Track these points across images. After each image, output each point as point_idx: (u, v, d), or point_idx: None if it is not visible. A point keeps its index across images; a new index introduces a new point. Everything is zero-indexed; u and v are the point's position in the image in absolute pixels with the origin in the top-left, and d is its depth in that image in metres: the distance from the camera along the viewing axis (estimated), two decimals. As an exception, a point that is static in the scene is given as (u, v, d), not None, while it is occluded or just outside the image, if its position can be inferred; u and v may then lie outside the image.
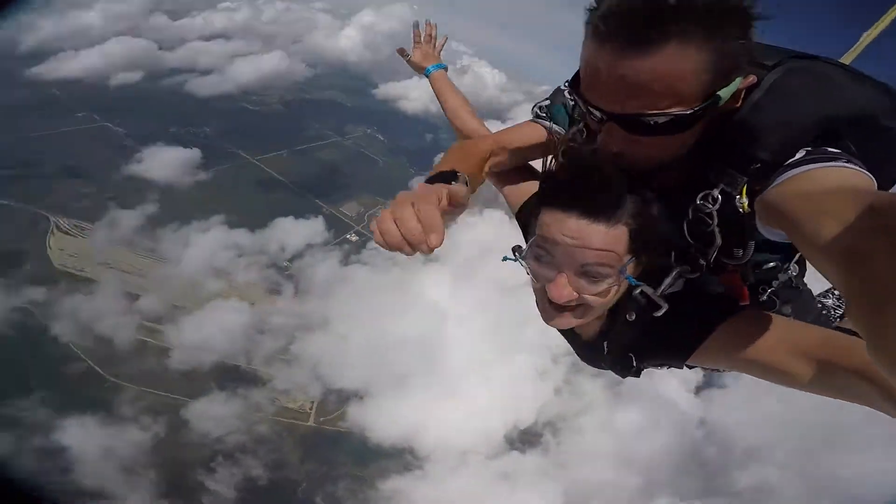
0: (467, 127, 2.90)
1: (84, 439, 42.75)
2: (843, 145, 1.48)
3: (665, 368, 2.23)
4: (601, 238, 1.60)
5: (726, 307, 1.78)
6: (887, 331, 0.76)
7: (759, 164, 1.53)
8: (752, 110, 1.55)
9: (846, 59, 3.22)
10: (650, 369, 2.24)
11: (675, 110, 1.43)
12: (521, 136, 2.51)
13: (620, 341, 2.07)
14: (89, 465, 41.38)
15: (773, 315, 1.71)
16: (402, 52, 3.29)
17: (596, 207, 1.60)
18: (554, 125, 2.37)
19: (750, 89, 1.54)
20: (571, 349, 2.49)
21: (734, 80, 1.46)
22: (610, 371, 2.33)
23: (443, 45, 3.32)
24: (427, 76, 3.18)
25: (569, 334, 2.36)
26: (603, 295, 1.70)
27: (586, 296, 1.69)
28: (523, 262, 1.79)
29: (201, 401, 48.55)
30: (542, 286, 1.77)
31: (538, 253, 1.73)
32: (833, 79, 1.54)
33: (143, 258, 60.90)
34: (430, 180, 1.80)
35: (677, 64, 1.36)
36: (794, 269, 1.98)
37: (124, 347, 51.06)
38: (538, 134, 2.45)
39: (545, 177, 1.87)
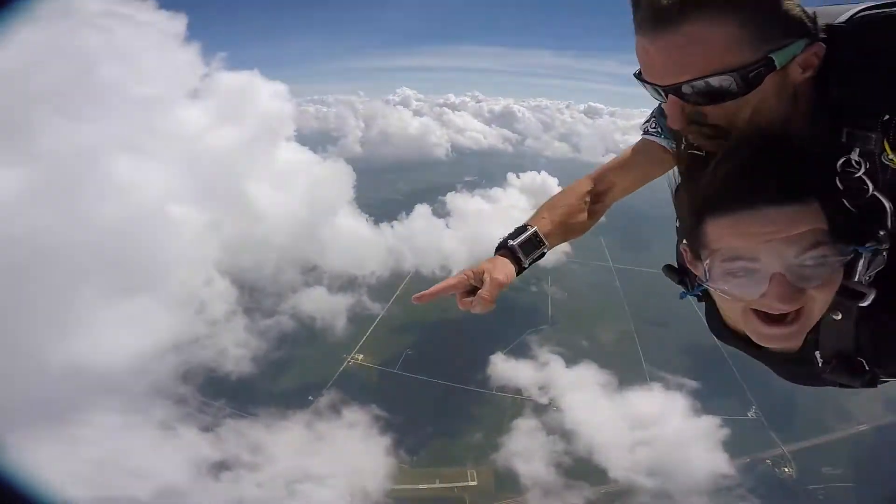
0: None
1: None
2: None
3: None
4: (801, 218, 1.39)
5: None
6: None
7: (887, 117, 1.44)
8: (851, 65, 1.53)
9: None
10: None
11: (715, 77, 1.52)
12: (626, 155, 2.70)
13: (837, 346, 1.76)
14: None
15: None
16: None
17: (779, 189, 1.40)
18: (663, 137, 2.41)
19: (839, 47, 1.56)
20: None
21: (790, 43, 1.52)
22: (826, 387, 2.01)
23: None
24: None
25: (767, 355, 1.91)
26: (827, 284, 1.45)
27: (811, 292, 1.44)
28: (711, 289, 1.57)
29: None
30: (745, 306, 1.54)
31: (730, 269, 1.48)
32: None
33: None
34: (506, 238, 2.55)
35: (706, 32, 1.48)
36: None
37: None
38: (646, 148, 2.54)
39: (697, 186, 1.55)
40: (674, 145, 2.04)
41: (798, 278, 1.40)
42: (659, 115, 2.39)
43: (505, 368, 78.70)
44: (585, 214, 2.71)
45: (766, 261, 1.40)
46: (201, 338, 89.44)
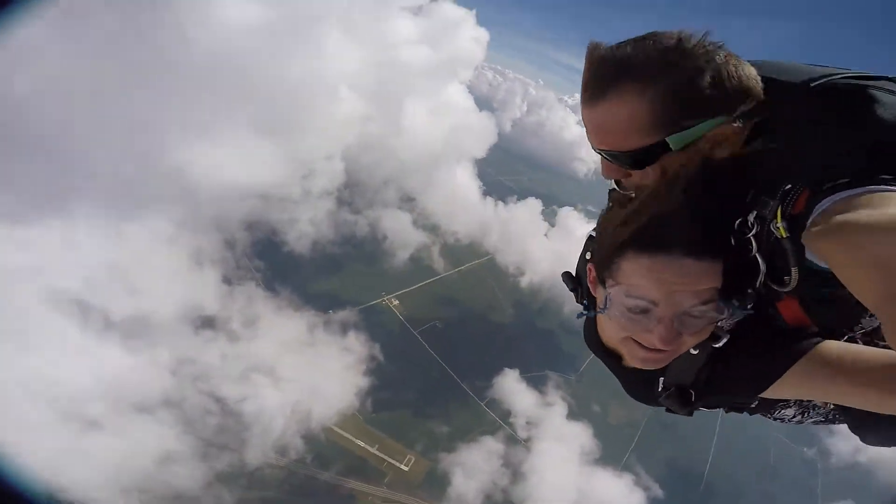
0: None
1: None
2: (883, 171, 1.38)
3: (746, 406, 2.05)
4: (709, 274, 1.47)
5: (799, 336, 1.63)
6: None
7: (788, 186, 1.49)
8: (776, 136, 1.57)
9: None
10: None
11: (617, 148, 1.67)
12: None
13: (679, 377, 1.87)
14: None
15: (845, 343, 1.61)
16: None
17: (702, 243, 1.46)
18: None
19: (775, 118, 1.59)
20: None
21: (696, 124, 1.56)
22: (657, 407, 2.10)
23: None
24: None
25: (616, 365, 2.02)
26: (702, 333, 1.58)
27: (686, 336, 1.55)
28: (607, 316, 1.62)
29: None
30: (628, 335, 1.62)
31: (629, 304, 1.53)
32: (875, 101, 1.44)
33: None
34: None
35: (614, 113, 1.60)
36: None
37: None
38: None
39: (632, 221, 1.53)
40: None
41: (681, 325, 1.49)
42: None
43: (511, 387, 75.30)
44: None
45: (663, 306, 1.47)
46: (289, 199, 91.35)
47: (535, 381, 77.77)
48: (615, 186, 1.94)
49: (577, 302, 2.06)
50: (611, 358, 1.98)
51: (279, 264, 78.99)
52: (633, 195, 1.64)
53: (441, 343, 76.19)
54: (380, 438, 62.34)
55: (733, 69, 1.53)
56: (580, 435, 73.35)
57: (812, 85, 1.52)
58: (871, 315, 1.63)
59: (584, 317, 2.03)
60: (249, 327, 69.00)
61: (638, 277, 1.47)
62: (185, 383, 60.50)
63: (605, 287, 1.60)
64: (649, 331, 1.52)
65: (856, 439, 2.01)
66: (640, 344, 1.59)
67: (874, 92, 1.45)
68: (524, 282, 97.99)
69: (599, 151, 1.75)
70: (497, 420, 71.22)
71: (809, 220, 1.38)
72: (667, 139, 1.57)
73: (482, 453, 65.94)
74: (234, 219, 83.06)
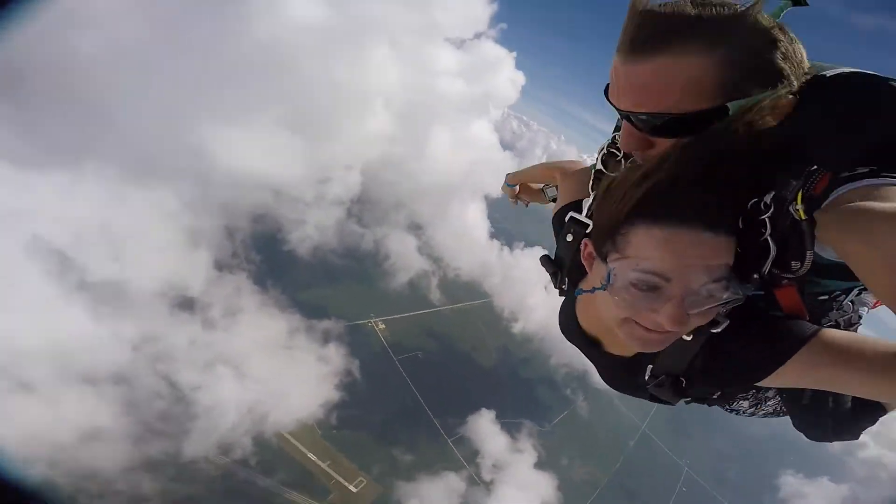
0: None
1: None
2: None
3: (712, 397, 2.06)
4: (724, 250, 1.38)
5: (798, 323, 1.57)
6: None
7: (814, 168, 1.44)
8: (804, 116, 1.49)
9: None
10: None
11: (665, 110, 1.48)
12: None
13: (671, 365, 1.77)
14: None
15: (845, 332, 1.56)
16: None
17: (721, 217, 1.36)
18: None
19: (805, 100, 1.51)
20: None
21: (753, 94, 1.44)
22: (640, 397, 2.01)
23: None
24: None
25: (595, 352, 1.97)
26: (708, 314, 1.46)
27: (693, 317, 1.43)
28: (609, 293, 1.47)
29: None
30: (629, 315, 1.49)
31: (637, 279, 1.39)
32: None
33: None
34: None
35: (670, 72, 1.43)
36: (848, 307, 1.77)
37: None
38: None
39: (645, 188, 1.41)
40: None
41: (691, 304, 1.37)
42: None
43: (484, 428, 72.89)
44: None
45: (675, 283, 1.35)
46: (300, 200, 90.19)
47: (510, 427, 75.46)
48: (602, 168, 1.89)
49: (555, 287, 2.04)
50: (590, 346, 1.94)
51: (276, 262, 77.21)
52: (643, 162, 1.52)
53: (419, 374, 73.42)
54: (334, 455, 59.05)
55: (795, 42, 1.48)
56: (544, 485, 71.01)
57: (839, 73, 1.49)
58: (839, 308, 1.70)
59: (563, 299, 2.03)
60: (229, 317, 66.60)
61: (650, 250, 1.36)
62: (142, 361, 57.81)
63: (605, 262, 1.46)
64: (656, 310, 1.40)
65: None
66: (640, 325, 1.46)
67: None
68: (516, 328, 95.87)
69: (632, 115, 1.56)
70: (461, 459, 68.28)
71: (824, 204, 1.36)
72: (728, 105, 1.44)
73: (441, 489, 63.23)
74: (242, 207, 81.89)
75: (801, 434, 2.20)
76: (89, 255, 66.03)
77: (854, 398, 2.05)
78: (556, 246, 2.06)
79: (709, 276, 1.34)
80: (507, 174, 3.22)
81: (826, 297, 1.69)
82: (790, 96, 1.45)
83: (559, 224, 2.00)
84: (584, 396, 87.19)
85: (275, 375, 63.26)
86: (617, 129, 1.98)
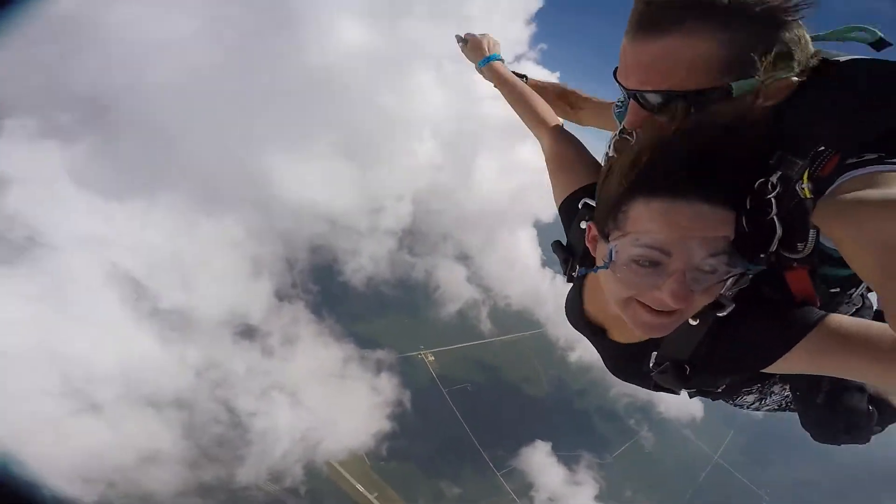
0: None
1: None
2: None
3: (717, 390, 2.09)
4: (723, 223, 1.35)
5: (806, 308, 1.55)
6: None
7: (821, 149, 1.43)
8: (814, 97, 1.50)
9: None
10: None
11: (671, 87, 1.50)
12: (603, 103, 2.86)
13: (676, 351, 1.74)
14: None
15: (852, 317, 1.53)
16: (458, 38, 3.17)
17: (719, 189, 1.34)
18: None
19: (815, 80, 1.52)
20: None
21: (758, 75, 1.44)
22: (644, 387, 1.98)
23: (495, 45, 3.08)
24: (485, 65, 2.96)
25: (601, 340, 1.98)
26: (711, 291, 1.43)
27: (696, 295, 1.40)
28: (612, 271, 1.45)
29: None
30: (631, 296, 1.47)
31: (638, 255, 1.37)
32: None
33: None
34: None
35: (681, 49, 1.45)
36: (858, 299, 1.80)
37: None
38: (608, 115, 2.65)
39: (643, 162, 1.40)
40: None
41: (693, 280, 1.35)
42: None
43: (538, 461, 70.60)
44: (555, 104, 2.87)
45: (676, 257, 1.33)
46: (354, 230, 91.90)
47: (567, 460, 72.64)
48: (615, 154, 1.76)
49: (565, 274, 2.03)
50: (595, 333, 1.96)
51: (331, 292, 78.98)
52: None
53: (469, 406, 72.39)
54: (381, 487, 58.81)
55: (801, 27, 1.50)
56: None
57: (854, 59, 1.51)
58: (849, 302, 1.74)
59: (570, 287, 2.06)
60: (286, 346, 68.41)
61: (649, 222, 1.34)
62: (203, 386, 59.83)
63: (607, 241, 1.45)
64: (658, 287, 1.38)
65: None
66: (644, 307, 1.44)
67: None
68: (573, 357, 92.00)
69: (637, 92, 1.59)
70: (511, 492, 66.30)
71: (827, 192, 1.35)
72: (732, 84, 1.45)
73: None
74: (301, 237, 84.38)
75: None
76: (161, 283, 69.73)
77: (870, 401, 2.07)
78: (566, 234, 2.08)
79: (709, 249, 1.33)
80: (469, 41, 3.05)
81: (838, 289, 1.68)
82: (794, 78, 1.50)
83: (571, 211, 1.98)
84: (648, 427, 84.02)
85: (328, 404, 64.01)
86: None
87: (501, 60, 2.95)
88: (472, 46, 3.00)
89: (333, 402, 64.67)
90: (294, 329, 70.42)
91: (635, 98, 1.60)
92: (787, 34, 1.44)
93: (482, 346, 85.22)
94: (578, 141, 2.31)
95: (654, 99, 1.55)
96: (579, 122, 3.05)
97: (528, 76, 2.99)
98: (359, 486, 57.55)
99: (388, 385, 69.09)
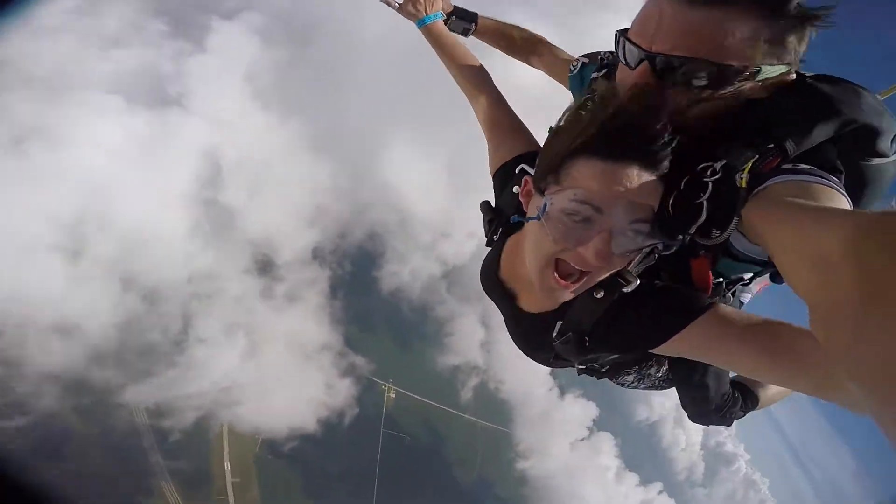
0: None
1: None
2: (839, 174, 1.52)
3: (602, 369, 2.22)
4: (654, 191, 1.44)
5: (698, 295, 1.64)
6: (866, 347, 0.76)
7: (772, 146, 1.49)
8: (779, 97, 1.56)
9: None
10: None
11: (703, 56, 1.48)
12: (560, 53, 2.95)
13: (579, 322, 1.77)
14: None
15: (740, 311, 1.60)
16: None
17: (658, 159, 1.42)
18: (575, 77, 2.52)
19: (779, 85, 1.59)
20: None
21: (779, 65, 1.52)
22: (546, 362, 2.04)
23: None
24: (422, 27, 2.78)
25: (509, 306, 2.00)
26: (624, 259, 1.51)
27: (616, 258, 1.48)
28: (546, 220, 1.50)
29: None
30: (552, 255, 1.53)
31: (571, 209, 1.44)
32: (862, 94, 1.55)
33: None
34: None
35: (730, 23, 1.45)
36: (729, 298, 1.94)
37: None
38: (563, 66, 2.72)
39: (587, 123, 1.47)
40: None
41: (616, 243, 1.43)
42: (585, 67, 2.51)
43: None
44: (513, 46, 3.05)
45: (606, 215, 1.41)
46: (414, 238, 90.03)
47: None
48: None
49: (486, 236, 2.08)
50: (505, 299, 1.97)
51: (359, 280, 77.75)
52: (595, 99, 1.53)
53: (394, 456, 70.08)
54: (248, 476, 56.14)
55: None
56: None
57: (820, 75, 1.59)
58: (723, 296, 1.88)
59: (489, 250, 2.08)
60: (286, 300, 67.49)
61: (589, 180, 1.41)
62: (184, 292, 57.58)
63: (543, 195, 1.51)
64: (584, 243, 1.44)
65: None
66: (556, 274, 1.52)
67: (862, 90, 1.55)
68: (519, 465, 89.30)
69: (662, 55, 1.52)
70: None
71: (758, 189, 1.42)
72: (761, 67, 1.49)
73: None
74: (368, 216, 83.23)
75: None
76: (235, 182, 68.76)
77: (733, 385, 2.28)
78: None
79: (637, 214, 1.40)
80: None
81: (720, 281, 1.79)
82: (791, 76, 1.56)
83: (506, 177, 2.01)
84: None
85: (277, 374, 62.85)
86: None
87: (444, 19, 2.84)
88: (406, 6, 2.83)
89: (284, 376, 63.50)
90: (304, 291, 69.50)
91: (652, 62, 1.53)
92: (803, 36, 1.51)
93: (446, 414, 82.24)
94: (512, 110, 2.33)
95: (677, 66, 1.49)
96: (529, 64, 3.07)
97: (479, 14, 2.95)
98: (227, 464, 53.38)
99: (344, 392, 67.29)
